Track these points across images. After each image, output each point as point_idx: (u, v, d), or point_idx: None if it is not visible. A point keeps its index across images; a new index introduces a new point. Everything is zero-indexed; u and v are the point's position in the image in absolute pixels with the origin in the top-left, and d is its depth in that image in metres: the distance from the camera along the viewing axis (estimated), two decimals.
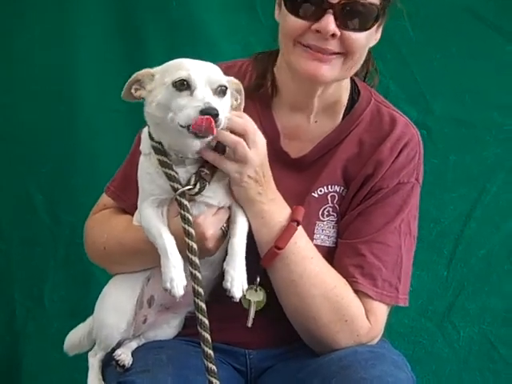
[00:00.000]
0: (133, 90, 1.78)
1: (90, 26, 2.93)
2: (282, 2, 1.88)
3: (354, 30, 1.84)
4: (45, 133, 2.99)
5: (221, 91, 1.71)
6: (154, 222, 1.80)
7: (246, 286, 1.79)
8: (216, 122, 1.63)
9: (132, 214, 1.99)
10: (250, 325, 1.94)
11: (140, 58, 2.89)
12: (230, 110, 1.78)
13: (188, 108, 1.65)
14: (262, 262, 1.87)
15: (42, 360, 3.03)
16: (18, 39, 2.94)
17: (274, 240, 1.84)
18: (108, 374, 1.96)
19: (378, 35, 1.96)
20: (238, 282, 1.77)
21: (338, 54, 1.86)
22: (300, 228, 1.87)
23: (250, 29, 2.92)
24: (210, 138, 1.68)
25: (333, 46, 1.85)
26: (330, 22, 1.81)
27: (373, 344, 1.93)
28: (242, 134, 1.76)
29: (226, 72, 1.80)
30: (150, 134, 1.81)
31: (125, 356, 1.90)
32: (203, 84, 1.68)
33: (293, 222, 1.85)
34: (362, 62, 1.95)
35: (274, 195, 1.86)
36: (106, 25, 2.94)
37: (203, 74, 1.69)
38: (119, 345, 1.95)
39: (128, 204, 2.04)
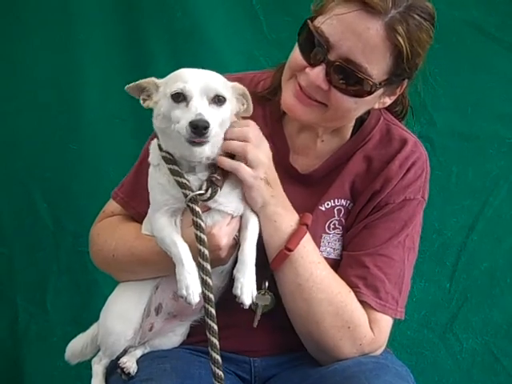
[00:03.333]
0: (141, 101, 1.82)
1: (94, 35, 2.95)
2: (298, 33, 1.89)
3: (342, 91, 1.83)
4: (48, 139, 3.00)
5: (218, 100, 1.74)
6: (167, 231, 1.82)
7: (255, 292, 1.81)
8: (205, 133, 1.67)
9: (139, 222, 2.01)
10: (255, 325, 1.96)
11: (144, 67, 2.91)
12: (231, 116, 1.81)
13: (182, 119, 1.70)
14: (271, 265, 1.89)
15: (44, 366, 3.03)
16: (21, 46, 2.96)
17: (284, 244, 1.86)
18: (112, 381, 1.96)
19: (387, 100, 1.94)
20: (247, 289, 1.79)
21: (320, 103, 1.87)
22: (308, 233, 1.90)
23: (254, 42, 2.95)
24: (207, 144, 1.71)
25: (318, 95, 1.86)
26: (319, 75, 1.82)
27: (376, 355, 1.94)
28: (246, 141, 1.80)
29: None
30: (159, 146, 1.84)
31: (130, 364, 1.91)
32: (199, 94, 1.71)
33: (302, 225, 1.88)
34: (349, 121, 1.97)
35: (284, 199, 1.90)
36: (110, 34, 2.96)
37: (199, 84, 1.72)
38: (124, 352, 1.96)
39: (137, 211, 2.06)
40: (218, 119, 1.74)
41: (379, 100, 1.92)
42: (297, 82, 1.88)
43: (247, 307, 1.80)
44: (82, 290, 3.03)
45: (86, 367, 2.08)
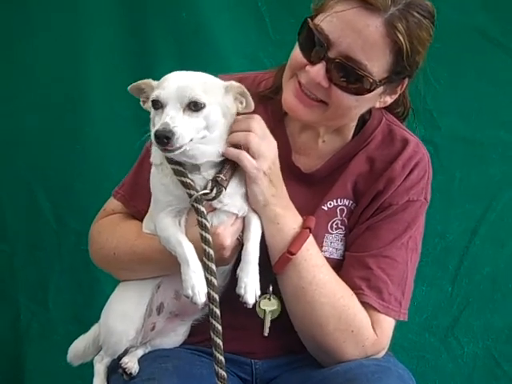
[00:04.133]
0: (141, 102, 1.82)
1: (99, 35, 2.95)
2: (298, 31, 1.90)
3: (342, 89, 1.83)
4: (52, 138, 3.00)
5: (194, 106, 1.72)
6: (172, 231, 1.81)
7: (258, 292, 1.81)
8: (167, 143, 1.66)
9: (140, 220, 2.01)
10: (266, 334, 1.96)
11: (148, 67, 2.92)
12: (229, 116, 1.79)
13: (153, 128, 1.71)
14: (274, 268, 1.89)
15: (45, 364, 3.04)
16: (26, 46, 2.97)
17: (286, 248, 1.86)
18: (113, 381, 1.96)
19: (388, 99, 1.94)
20: (251, 288, 1.79)
21: (321, 102, 1.87)
22: (311, 236, 1.89)
23: (258, 43, 2.95)
24: (179, 150, 1.70)
25: (319, 93, 1.85)
26: (319, 73, 1.82)
27: (378, 357, 1.94)
28: (249, 130, 1.80)
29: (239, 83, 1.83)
30: None
31: (132, 364, 1.91)
32: (173, 102, 1.71)
33: (305, 228, 1.88)
34: (350, 120, 1.96)
35: (287, 202, 1.89)
36: (115, 34, 2.96)
37: (175, 91, 1.71)
38: (125, 352, 1.95)
39: (137, 209, 2.05)
40: (196, 125, 1.72)
41: (380, 99, 1.92)
42: (297, 81, 1.88)
43: (251, 306, 1.80)
44: (84, 289, 3.03)
45: (87, 366, 2.07)
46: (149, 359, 1.96)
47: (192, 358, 2.01)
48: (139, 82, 1.82)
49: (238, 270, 1.81)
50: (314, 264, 1.89)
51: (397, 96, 1.96)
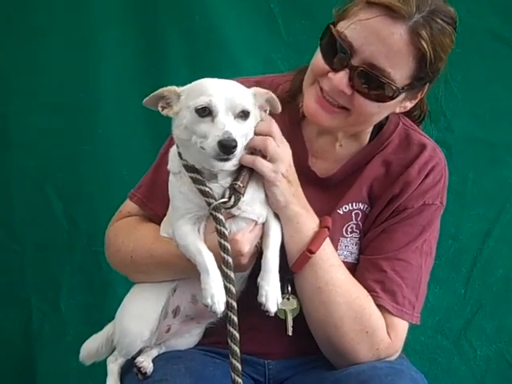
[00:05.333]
0: (160, 108, 1.79)
1: (110, 36, 2.96)
2: (321, 37, 1.89)
3: (365, 96, 1.83)
4: (63, 139, 3.01)
5: (243, 115, 1.73)
6: (191, 239, 1.81)
7: (280, 299, 1.81)
8: (233, 152, 1.67)
9: (157, 223, 2.01)
10: (290, 333, 1.96)
11: (160, 69, 2.93)
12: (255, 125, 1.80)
13: (209, 137, 1.68)
14: (292, 268, 1.89)
15: (57, 365, 3.05)
16: (37, 47, 2.98)
17: (306, 247, 1.86)
18: (127, 381, 1.97)
19: (408, 104, 1.94)
20: (272, 296, 1.79)
21: (343, 108, 1.87)
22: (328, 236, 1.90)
23: (271, 45, 2.95)
24: (233, 160, 1.72)
25: (342, 99, 1.86)
26: (342, 80, 1.82)
27: (392, 360, 1.94)
28: (269, 135, 1.80)
29: (256, 86, 1.83)
30: (179, 153, 1.83)
31: (147, 364, 1.91)
32: (224, 110, 1.70)
33: (324, 227, 1.88)
34: (370, 125, 1.97)
35: (305, 202, 1.90)
36: (127, 36, 2.97)
37: (225, 99, 1.71)
38: (139, 352, 1.96)
39: (155, 212, 2.06)
40: (243, 133, 1.74)
41: (400, 104, 1.92)
42: (319, 87, 1.88)
43: (273, 314, 1.80)
44: (96, 290, 3.04)
45: (99, 367, 2.08)
46: (162, 360, 1.96)
47: (205, 359, 2.01)
48: (160, 90, 1.78)
49: (259, 278, 1.81)
50: (331, 264, 1.89)
51: (417, 101, 1.95)
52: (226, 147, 1.65)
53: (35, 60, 2.99)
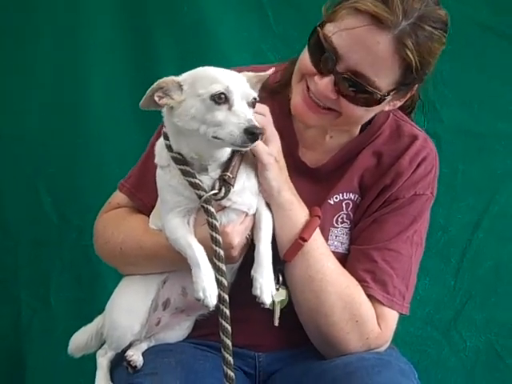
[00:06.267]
0: (156, 98, 1.75)
1: (99, 29, 2.94)
2: (309, 38, 1.88)
3: (350, 101, 1.84)
4: (53, 134, 3.00)
5: (252, 104, 1.74)
6: (181, 232, 1.79)
7: (274, 291, 1.81)
8: (258, 139, 1.67)
9: (146, 214, 2.00)
10: (277, 324, 1.95)
11: (149, 61, 2.92)
12: None
13: (230, 125, 1.66)
14: (284, 256, 1.88)
15: (47, 360, 3.03)
16: (28, 46, 2.96)
17: (298, 235, 1.86)
18: (116, 374, 1.96)
19: (397, 103, 1.94)
20: (267, 288, 1.78)
21: (329, 109, 1.87)
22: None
23: (261, 36, 2.94)
24: (248, 147, 1.71)
25: (328, 102, 1.86)
26: (327, 86, 1.82)
27: (380, 351, 1.94)
28: (264, 115, 1.81)
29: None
30: (168, 146, 1.80)
31: (136, 357, 1.90)
32: (239, 98, 1.70)
33: (315, 216, 1.88)
34: (359, 125, 1.98)
35: (295, 190, 1.89)
36: (116, 28, 2.95)
37: (239, 87, 1.71)
38: (129, 345, 1.95)
39: (143, 203, 2.05)
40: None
41: (389, 104, 1.93)
42: (306, 86, 1.88)
43: (267, 306, 1.80)
44: (86, 285, 3.03)
45: (89, 360, 2.07)
46: (152, 353, 1.96)
47: (195, 352, 2.01)
48: (158, 82, 1.73)
49: (252, 271, 1.80)
50: (322, 252, 1.90)
51: (406, 99, 1.96)
52: (254, 134, 1.65)
53: (25, 58, 2.98)
